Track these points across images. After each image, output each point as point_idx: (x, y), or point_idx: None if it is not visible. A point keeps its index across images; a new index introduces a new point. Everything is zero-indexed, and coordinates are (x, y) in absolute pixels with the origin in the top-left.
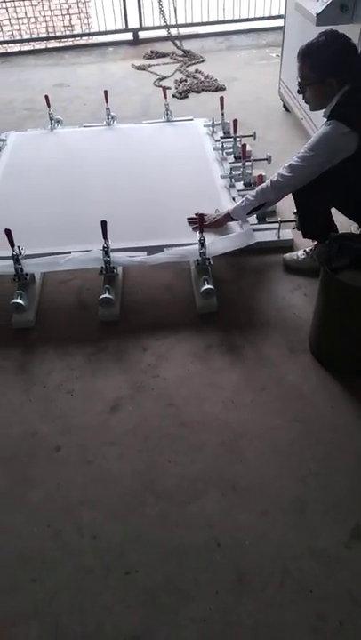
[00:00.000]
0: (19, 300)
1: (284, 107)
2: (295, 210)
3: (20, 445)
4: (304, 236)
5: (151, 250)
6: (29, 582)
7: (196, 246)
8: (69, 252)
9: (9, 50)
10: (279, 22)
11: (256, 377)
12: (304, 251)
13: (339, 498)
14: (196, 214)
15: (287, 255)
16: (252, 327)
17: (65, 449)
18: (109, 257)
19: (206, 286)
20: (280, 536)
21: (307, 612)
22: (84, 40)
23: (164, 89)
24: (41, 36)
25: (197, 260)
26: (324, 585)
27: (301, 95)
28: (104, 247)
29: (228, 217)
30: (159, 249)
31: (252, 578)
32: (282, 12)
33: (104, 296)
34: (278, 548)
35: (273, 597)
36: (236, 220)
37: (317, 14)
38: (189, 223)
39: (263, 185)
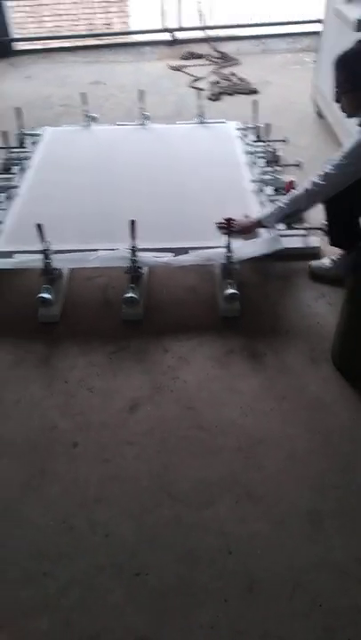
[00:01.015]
0: (45, 295)
1: (318, 112)
2: (324, 218)
3: (40, 439)
4: (331, 244)
5: (178, 251)
6: (41, 576)
7: (223, 249)
8: (97, 250)
9: (49, 46)
10: (316, 27)
11: (277, 385)
12: (331, 259)
13: (356, 511)
14: (224, 219)
15: (313, 263)
16: (274, 334)
17: (83, 445)
18: (136, 256)
19: (230, 290)
20: (294, 547)
21: (316, 626)
22: (123, 39)
23: (199, 90)
24: (81, 33)
25: (223, 264)
26: (336, 600)
27: (337, 102)
28: (131, 246)
29: (259, 224)
30: (186, 250)
31: (263, 587)
32: (319, 17)
33: (128, 295)
34: (291, 559)
35: (283, 608)
36: (266, 227)
37: (358, 20)
38: (218, 228)
39: (296, 192)
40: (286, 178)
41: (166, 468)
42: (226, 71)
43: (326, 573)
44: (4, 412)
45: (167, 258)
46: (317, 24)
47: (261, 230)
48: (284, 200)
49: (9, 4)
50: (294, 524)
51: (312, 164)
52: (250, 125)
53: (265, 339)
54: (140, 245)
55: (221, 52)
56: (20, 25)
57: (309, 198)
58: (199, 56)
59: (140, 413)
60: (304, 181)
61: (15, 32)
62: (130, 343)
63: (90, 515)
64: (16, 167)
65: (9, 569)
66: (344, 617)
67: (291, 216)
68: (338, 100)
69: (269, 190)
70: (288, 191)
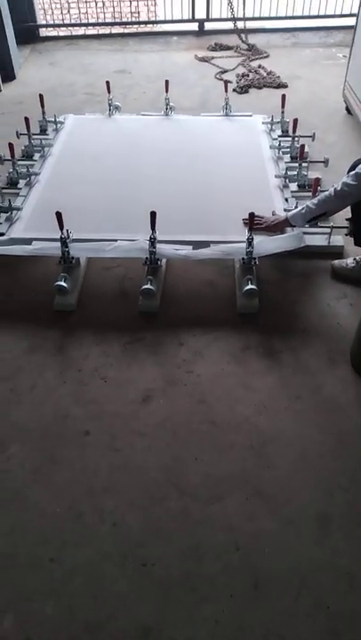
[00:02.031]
0: (62, 283)
1: (347, 109)
2: (349, 216)
3: (52, 426)
4: (356, 244)
5: (197, 244)
6: (48, 561)
7: (243, 244)
8: (116, 240)
9: (74, 33)
10: (350, 21)
11: (292, 384)
12: (354, 259)
13: None
14: (250, 213)
15: (336, 262)
16: (292, 332)
17: (94, 434)
18: (155, 248)
19: (249, 286)
20: (302, 548)
21: (321, 628)
22: (149, 28)
23: (226, 82)
24: (107, 21)
25: (243, 259)
26: (343, 602)
27: None
28: (151, 238)
29: (287, 222)
30: (205, 244)
31: (269, 586)
32: (354, 11)
33: (146, 287)
34: (299, 559)
35: (288, 608)
36: (293, 226)
37: None
38: (245, 224)
39: (326, 193)
40: (312, 175)
41: (176, 461)
42: (254, 64)
43: (333, 576)
44: (18, 398)
45: (186, 251)
46: (351, 18)
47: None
48: (312, 201)
49: None
50: (303, 524)
51: (339, 161)
52: (277, 120)
53: (282, 336)
54: (160, 237)
55: (250, 45)
56: (46, 11)
57: (339, 200)
58: (227, 47)
59: (152, 405)
60: (333, 181)
61: (41, 18)
62: (145, 335)
63: (98, 503)
64: (37, 154)
65: (16, 553)
66: (351, 621)
67: (320, 217)
68: None
69: (294, 186)
70: (315, 189)
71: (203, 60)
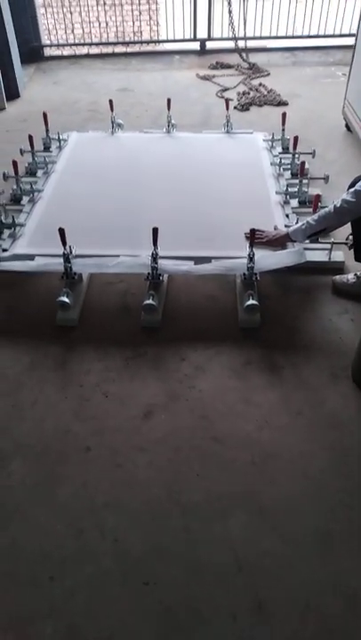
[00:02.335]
0: (65, 299)
1: (347, 126)
2: (350, 232)
3: (53, 441)
4: (357, 260)
5: (199, 260)
6: (48, 579)
7: (244, 260)
8: (118, 256)
9: (78, 52)
10: (349, 41)
11: (294, 399)
12: (355, 274)
13: None
14: (252, 229)
15: (337, 277)
16: (294, 348)
17: (95, 450)
18: (157, 264)
19: (251, 301)
20: (305, 567)
21: None
22: (152, 47)
23: (227, 100)
24: (110, 40)
25: (244, 274)
26: (347, 627)
27: None
28: (153, 254)
29: (288, 237)
30: (207, 259)
31: (273, 608)
32: (353, 31)
33: (147, 302)
34: (302, 579)
35: (293, 632)
36: (294, 241)
37: None
38: (246, 238)
39: (326, 210)
40: (313, 191)
41: (178, 477)
42: (255, 82)
43: (337, 596)
44: (19, 414)
45: (188, 266)
46: (350, 38)
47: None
48: (313, 217)
49: (40, 10)
50: (306, 543)
51: (339, 178)
52: (277, 137)
53: (284, 352)
54: (162, 253)
55: (251, 63)
56: (51, 31)
57: (339, 216)
58: (228, 66)
59: (154, 421)
60: (333, 198)
61: (45, 38)
62: (147, 350)
63: (99, 520)
64: (40, 171)
65: (16, 571)
66: None
67: (320, 233)
68: None
69: (295, 203)
70: (316, 206)
71: (204, 78)
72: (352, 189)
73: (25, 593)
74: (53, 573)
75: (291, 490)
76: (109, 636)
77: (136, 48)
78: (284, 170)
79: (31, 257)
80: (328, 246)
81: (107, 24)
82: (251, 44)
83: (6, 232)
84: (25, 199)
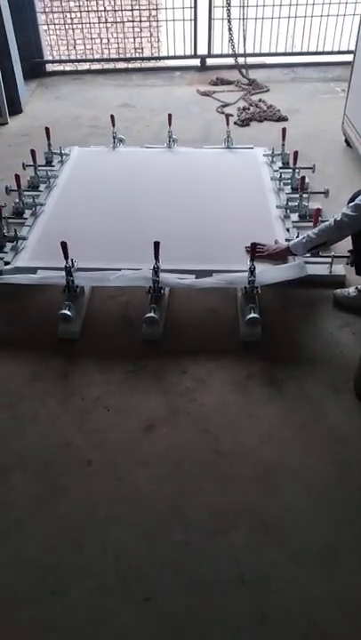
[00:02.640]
0: (66, 311)
1: (346, 142)
2: (350, 247)
3: (54, 455)
4: (357, 274)
5: (200, 273)
6: (49, 594)
7: (245, 273)
8: (120, 269)
9: (79, 68)
10: (348, 57)
11: (296, 413)
12: (356, 288)
13: None
14: (253, 243)
15: (338, 291)
16: (295, 361)
17: (97, 463)
18: (158, 277)
19: (252, 315)
20: (308, 582)
21: None
22: (153, 63)
23: (227, 116)
24: (111, 56)
25: (245, 288)
26: None
27: None
28: (154, 267)
29: (288, 251)
30: (208, 273)
31: (276, 622)
32: (352, 48)
33: (149, 315)
34: (305, 594)
35: None
36: (295, 254)
37: None
38: (247, 252)
39: (326, 223)
40: (313, 205)
41: (179, 491)
42: (255, 98)
43: (340, 612)
44: (21, 427)
45: (189, 280)
46: (349, 55)
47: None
48: (313, 231)
49: (43, 26)
50: (309, 557)
51: (339, 192)
52: (277, 152)
53: (285, 365)
54: (163, 266)
55: (251, 79)
56: (53, 47)
57: (339, 230)
58: (228, 82)
59: (155, 434)
60: (333, 212)
61: (47, 54)
62: (148, 363)
63: (100, 534)
64: (43, 185)
65: (17, 586)
66: None
67: (320, 246)
68: None
69: (295, 217)
70: (316, 220)
71: (205, 94)
72: (352, 203)
73: (25, 607)
74: (54, 588)
75: (294, 504)
76: None
77: (137, 64)
78: (284, 184)
79: (33, 270)
80: (329, 260)
81: (108, 40)
82: (250, 60)
83: (9, 245)
84: (27, 213)
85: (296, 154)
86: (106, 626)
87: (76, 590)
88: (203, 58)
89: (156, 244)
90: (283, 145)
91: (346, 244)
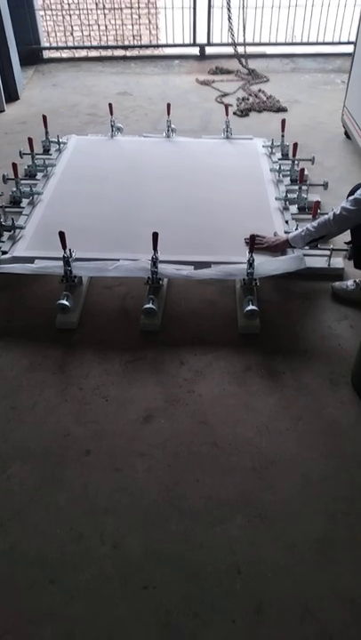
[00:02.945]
0: (64, 302)
1: (346, 134)
2: (349, 239)
3: (52, 445)
4: (356, 267)
5: (198, 265)
6: (47, 583)
7: (244, 265)
8: (118, 260)
9: (77, 55)
10: (348, 48)
11: (294, 405)
12: (354, 281)
13: None
14: (252, 235)
15: (336, 284)
16: (293, 353)
17: (95, 453)
18: (157, 268)
19: (251, 307)
20: (304, 573)
21: None
22: (151, 51)
23: (226, 106)
24: (109, 44)
25: (244, 280)
26: (347, 632)
27: None
28: (153, 258)
29: (287, 243)
30: (206, 264)
31: (272, 612)
32: (352, 39)
33: (147, 306)
34: (301, 584)
35: (291, 635)
36: (293, 247)
37: None
38: (246, 244)
39: (325, 217)
40: (312, 197)
41: (177, 482)
42: (254, 88)
43: (336, 602)
44: (19, 417)
45: (188, 271)
46: (349, 45)
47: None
48: (312, 224)
49: (40, 12)
50: (305, 549)
51: (338, 184)
52: (277, 143)
53: (284, 358)
54: (161, 257)
55: (250, 69)
56: (50, 33)
57: (338, 224)
58: (228, 72)
59: (153, 425)
60: (332, 204)
61: (44, 40)
62: (146, 354)
63: (98, 524)
64: (40, 174)
65: (15, 575)
66: None
67: (319, 239)
68: None
69: (294, 209)
70: (315, 212)
71: (204, 83)
72: (352, 197)
73: (24, 597)
74: (53, 577)
75: (291, 496)
76: None
77: (135, 52)
78: (283, 176)
79: (31, 260)
80: (328, 253)
81: (106, 27)
82: (250, 49)
83: (6, 234)
84: (24, 202)
85: (296, 145)
86: (104, 614)
87: (74, 579)
88: (202, 46)
89: (155, 235)
90: (282, 136)
91: (345, 238)
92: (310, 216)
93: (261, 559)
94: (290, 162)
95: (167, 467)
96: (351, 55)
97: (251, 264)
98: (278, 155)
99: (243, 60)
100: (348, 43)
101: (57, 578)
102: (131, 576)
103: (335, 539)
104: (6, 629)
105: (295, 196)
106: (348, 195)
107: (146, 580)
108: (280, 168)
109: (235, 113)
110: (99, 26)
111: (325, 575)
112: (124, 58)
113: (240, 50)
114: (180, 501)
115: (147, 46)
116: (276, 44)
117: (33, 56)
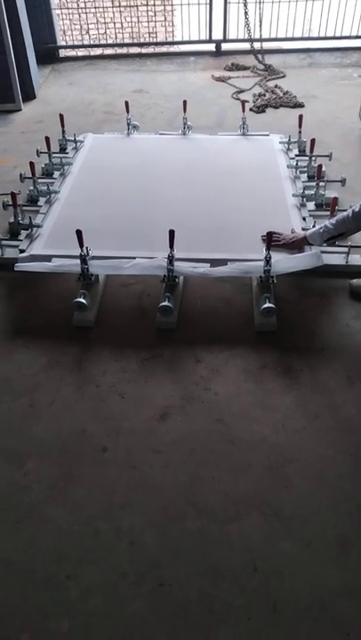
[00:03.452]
0: (82, 300)
1: None
2: None
3: (70, 441)
4: None
5: (215, 262)
6: (64, 579)
7: (261, 263)
8: (135, 258)
9: (92, 53)
10: None
11: (310, 403)
12: None
13: None
14: (269, 232)
15: (354, 281)
16: (310, 351)
17: (111, 450)
18: (173, 266)
19: (267, 304)
20: (321, 571)
21: None
22: (167, 48)
23: (243, 102)
24: (125, 41)
25: (260, 277)
26: None
27: None
28: (169, 256)
29: (305, 240)
30: (223, 262)
31: (288, 609)
32: None
33: (163, 304)
34: (318, 582)
35: (307, 634)
36: (311, 244)
37: None
38: (263, 241)
39: (344, 214)
40: (329, 194)
41: (193, 479)
42: (271, 84)
43: (354, 602)
44: (37, 413)
45: (204, 269)
46: None
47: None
48: (330, 221)
49: (56, 12)
50: (322, 547)
51: (356, 181)
52: (294, 139)
53: (300, 355)
54: (178, 255)
55: (267, 65)
56: (66, 32)
57: (357, 221)
58: (244, 68)
59: (169, 422)
60: (350, 201)
61: (60, 39)
62: (163, 351)
63: (115, 521)
64: (57, 172)
65: (33, 570)
66: None
67: (337, 237)
68: None
69: (311, 205)
70: (333, 209)
71: (220, 79)
72: None
73: (41, 592)
74: (69, 573)
75: (308, 494)
76: (124, 636)
77: (151, 49)
78: (300, 172)
79: (48, 258)
80: (346, 250)
81: (122, 25)
82: (266, 45)
83: (23, 233)
84: (42, 200)
85: (313, 141)
86: (120, 610)
87: (90, 575)
88: (218, 43)
89: (171, 233)
90: (299, 132)
91: None
92: (328, 212)
93: (278, 557)
94: (307, 158)
95: (183, 464)
96: None
97: (268, 261)
98: (295, 151)
99: (259, 56)
100: None
101: (73, 573)
102: (147, 572)
103: (352, 537)
104: (23, 625)
105: (312, 192)
106: None
107: (162, 576)
108: (297, 164)
109: (251, 109)
110: (114, 24)
111: (342, 573)
112: (140, 55)
113: (256, 45)
114: (195, 498)
115: (162, 43)
116: (293, 38)
117: (49, 55)
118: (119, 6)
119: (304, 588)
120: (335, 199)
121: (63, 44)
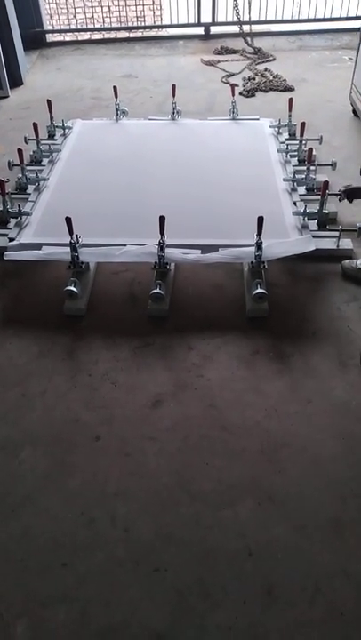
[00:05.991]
0: (72, 288)
1: (354, 112)
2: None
3: (62, 430)
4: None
5: (206, 248)
6: (60, 566)
7: (252, 248)
8: (125, 245)
9: (80, 38)
10: (356, 24)
11: (302, 387)
12: None
13: None
14: (259, 218)
15: (346, 262)
16: (302, 336)
17: (105, 439)
18: (164, 252)
19: (259, 290)
20: (314, 553)
21: (335, 635)
22: (155, 32)
23: (233, 86)
24: (113, 25)
25: (252, 263)
26: (357, 610)
27: None
28: (159, 242)
29: None
30: (214, 248)
31: (282, 592)
32: (360, 14)
33: (155, 291)
34: (312, 565)
35: (302, 614)
36: None
37: None
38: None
39: None
40: (320, 177)
41: (187, 466)
42: (260, 67)
43: (347, 582)
44: (29, 403)
45: (195, 255)
46: (357, 20)
47: (292, 231)
48: None
49: None
50: (315, 530)
51: (347, 164)
52: (284, 123)
53: (292, 340)
54: (168, 241)
55: (256, 48)
56: (52, 16)
57: None
58: (233, 51)
59: (162, 410)
60: (340, 184)
61: (47, 24)
62: (154, 339)
63: (109, 508)
64: (46, 159)
65: (28, 558)
66: None
67: None
68: None
69: (302, 190)
70: (324, 193)
71: (209, 63)
72: None
73: (38, 579)
74: (66, 560)
75: (301, 478)
76: (121, 623)
77: (139, 33)
78: (290, 156)
79: (38, 246)
80: (336, 234)
81: (109, 9)
82: (256, 28)
83: (12, 221)
84: (30, 188)
85: (303, 125)
86: (117, 596)
87: (86, 562)
88: (207, 26)
89: (162, 219)
90: (289, 116)
91: (353, 219)
92: (319, 196)
93: (272, 541)
94: (297, 142)
95: (177, 451)
96: (360, 30)
97: (259, 247)
98: (285, 135)
99: (248, 39)
100: (357, 18)
101: (69, 561)
102: (142, 559)
103: (346, 520)
104: (21, 612)
105: (303, 176)
106: None
107: (157, 562)
108: (288, 148)
109: (241, 93)
110: (102, 7)
111: (336, 555)
112: (128, 39)
113: (245, 28)
114: (189, 485)
115: (150, 27)
116: (283, 21)
117: (36, 40)
118: None
119: (298, 570)
120: (326, 183)
121: (50, 28)
